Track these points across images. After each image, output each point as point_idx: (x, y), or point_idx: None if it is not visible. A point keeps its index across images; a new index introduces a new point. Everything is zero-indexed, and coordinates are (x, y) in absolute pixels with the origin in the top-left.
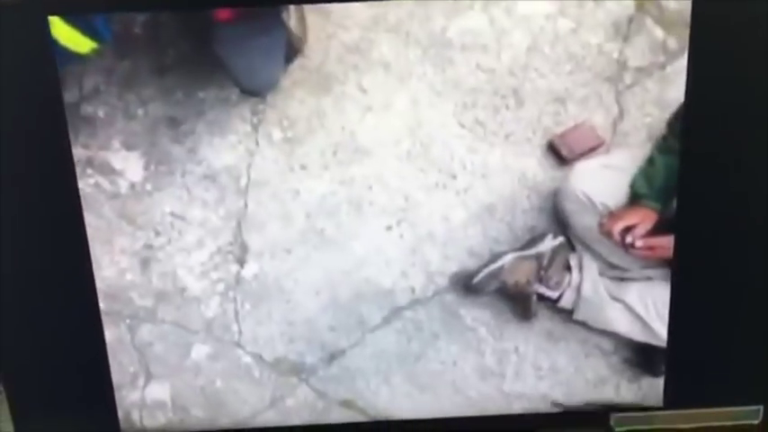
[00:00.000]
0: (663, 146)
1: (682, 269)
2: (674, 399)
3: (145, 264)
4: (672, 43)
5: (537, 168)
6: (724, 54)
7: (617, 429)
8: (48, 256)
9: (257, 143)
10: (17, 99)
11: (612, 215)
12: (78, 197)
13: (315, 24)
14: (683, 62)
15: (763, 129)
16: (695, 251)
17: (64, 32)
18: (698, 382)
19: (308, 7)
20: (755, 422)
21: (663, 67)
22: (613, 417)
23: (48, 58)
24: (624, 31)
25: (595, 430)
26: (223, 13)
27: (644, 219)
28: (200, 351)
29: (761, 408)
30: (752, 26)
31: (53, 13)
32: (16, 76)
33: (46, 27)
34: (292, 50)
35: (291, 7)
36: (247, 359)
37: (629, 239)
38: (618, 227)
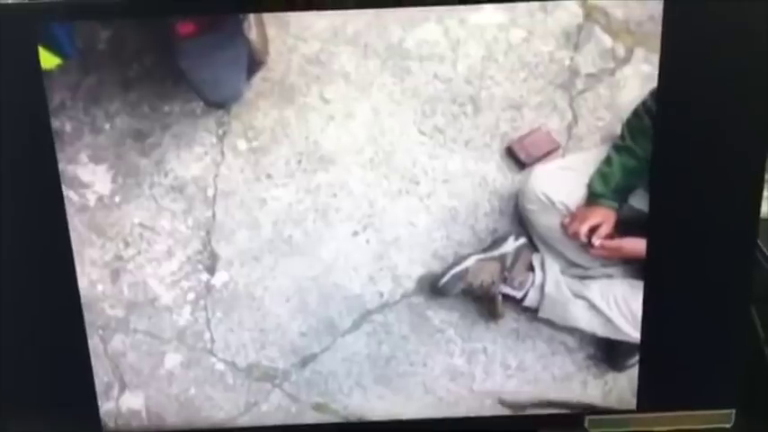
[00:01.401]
0: (619, 146)
1: (654, 272)
2: (647, 401)
3: (115, 275)
4: (620, 50)
5: (496, 173)
6: (695, 50)
7: (591, 431)
8: (32, 261)
9: (223, 154)
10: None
11: (575, 216)
12: (62, 203)
13: (275, 37)
14: (631, 68)
15: (734, 126)
16: (668, 254)
17: None
18: (671, 385)
19: (267, 20)
20: (728, 426)
21: (612, 72)
22: (588, 419)
23: (34, 68)
24: (574, 39)
25: None
26: (185, 28)
27: (605, 218)
28: (173, 360)
29: (733, 411)
30: (723, 26)
31: (41, 21)
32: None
33: (33, 37)
34: (255, 63)
35: (252, 20)
36: (220, 366)
37: (594, 241)
38: (584, 228)
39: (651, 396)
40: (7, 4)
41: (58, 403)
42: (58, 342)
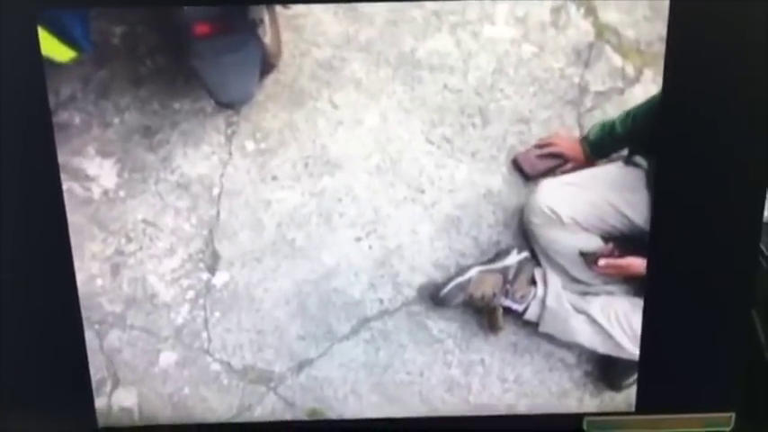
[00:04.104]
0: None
1: (655, 274)
2: (646, 404)
3: (115, 270)
4: (629, 70)
5: (502, 185)
6: (698, 60)
7: None
8: (28, 256)
9: (230, 154)
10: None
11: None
12: (61, 196)
13: (289, 41)
14: (640, 87)
15: (736, 132)
16: (669, 255)
17: (45, 41)
18: (671, 387)
19: (282, 24)
20: (727, 429)
21: (621, 92)
22: (586, 420)
23: (34, 58)
24: (585, 57)
25: None
26: (201, 28)
27: (569, 151)
28: (168, 358)
29: (733, 414)
30: (724, 34)
31: (41, 8)
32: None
33: (33, 25)
34: (267, 66)
35: (267, 23)
36: (216, 367)
37: (600, 263)
38: (539, 150)
39: (650, 398)
40: None
41: (52, 397)
42: (54, 336)
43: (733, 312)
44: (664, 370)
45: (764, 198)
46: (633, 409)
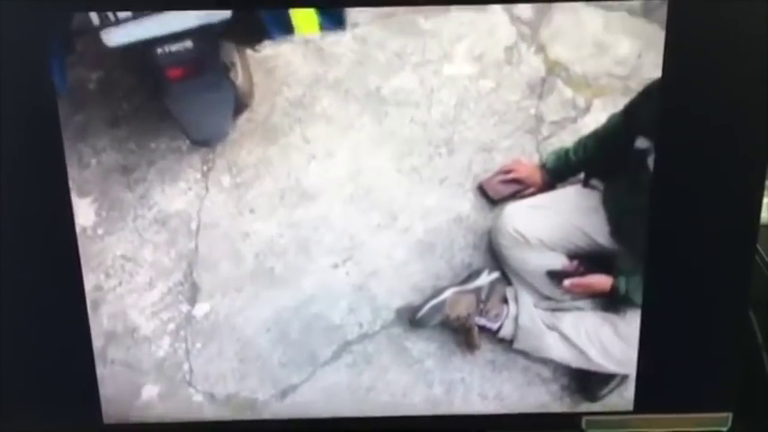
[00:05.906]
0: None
1: (653, 273)
2: (645, 403)
3: (95, 305)
4: (580, 101)
5: (470, 210)
6: (697, 58)
7: None
8: (34, 257)
9: (207, 189)
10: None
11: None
12: (71, 209)
13: (261, 82)
14: (591, 117)
15: (734, 134)
16: (667, 256)
17: None
18: (669, 386)
19: (254, 66)
20: (724, 429)
21: (574, 120)
22: (585, 419)
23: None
24: (538, 90)
25: None
26: (174, 72)
27: (530, 176)
28: (150, 391)
29: (730, 414)
30: (721, 40)
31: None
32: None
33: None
34: (240, 105)
35: (239, 66)
36: (198, 398)
37: (565, 283)
38: (500, 175)
39: (649, 397)
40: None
41: (57, 397)
42: (60, 336)
43: (730, 313)
44: (662, 370)
45: (761, 200)
46: (631, 407)
